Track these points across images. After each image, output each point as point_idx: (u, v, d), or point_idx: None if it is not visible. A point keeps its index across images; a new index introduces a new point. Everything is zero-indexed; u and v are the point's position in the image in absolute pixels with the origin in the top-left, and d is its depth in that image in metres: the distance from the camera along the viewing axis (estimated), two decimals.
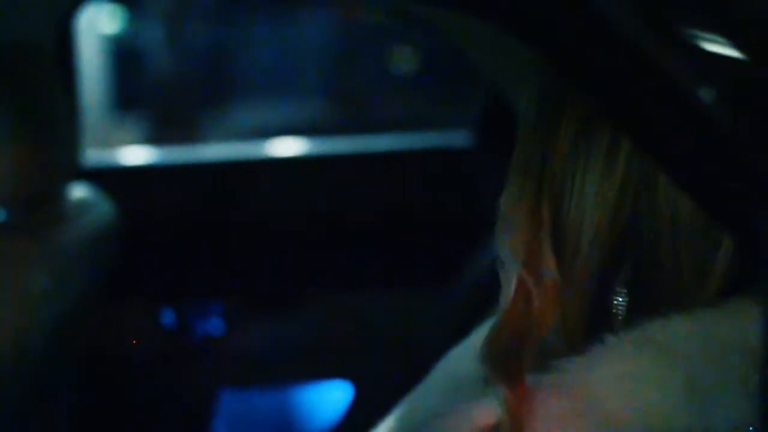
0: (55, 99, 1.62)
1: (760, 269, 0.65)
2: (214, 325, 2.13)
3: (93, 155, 2.18)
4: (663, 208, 0.74)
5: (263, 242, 2.17)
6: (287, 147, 2.32)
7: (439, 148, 2.38)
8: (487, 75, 1.73)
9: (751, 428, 0.67)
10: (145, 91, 7.28)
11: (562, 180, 0.76)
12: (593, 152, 0.75)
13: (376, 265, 2.18)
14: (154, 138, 6.79)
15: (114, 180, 2.08)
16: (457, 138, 2.37)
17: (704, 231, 0.74)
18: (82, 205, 1.75)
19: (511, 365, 0.76)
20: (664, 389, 0.71)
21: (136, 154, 2.37)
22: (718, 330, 0.73)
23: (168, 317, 2.12)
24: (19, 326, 1.55)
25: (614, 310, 0.76)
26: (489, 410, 0.76)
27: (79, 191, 1.79)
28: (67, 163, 1.65)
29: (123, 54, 6.73)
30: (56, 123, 1.62)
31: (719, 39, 0.70)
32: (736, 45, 0.70)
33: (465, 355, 0.86)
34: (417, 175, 2.26)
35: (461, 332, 0.90)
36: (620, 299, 0.76)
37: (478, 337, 0.89)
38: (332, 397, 2.15)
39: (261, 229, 2.18)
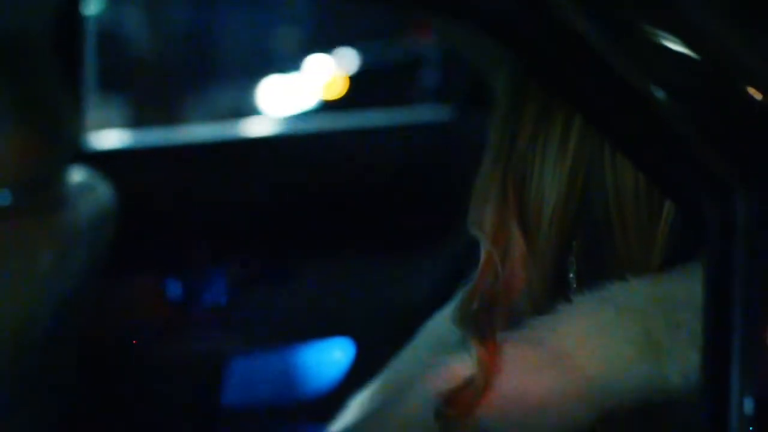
0: (56, 85, 1.70)
1: (702, 239, 0.75)
2: (218, 294, 2.23)
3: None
4: (609, 187, 0.85)
5: (262, 215, 2.27)
6: (275, 125, 2.41)
7: (422, 123, 2.51)
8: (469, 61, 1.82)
9: (750, 428, 0.74)
10: (126, 74, 7.30)
11: (525, 162, 0.88)
12: (549, 138, 0.87)
13: (369, 233, 2.31)
14: (134, 120, 6.82)
15: (111, 162, 2.15)
16: (440, 113, 2.50)
17: (646, 206, 0.85)
18: (82, 188, 1.83)
19: (482, 326, 0.87)
20: (624, 342, 0.82)
21: (125, 137, 2.44)
22: (671, 290, 0.83)
23: (174, 290, 2.21)
24: (25, 304, 1.63)
25: (571, 276, 0.87)
26: (465, 365, 0.86)
27: (79, 174, 1.87)
28: (69, 148, 1.72)
29: (103, 36, 6.73)
30: (58, 108, 1.69)
31: (670, 37, 0.79)
32: (686, 43, 0.79)
33: (447, 317, 0.96)
34: (405, 149, 2.38)
35: (448, 293, 1.00)
36: (575, 266, 0.87)
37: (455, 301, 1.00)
38: (334, 354, 2.28)
39: (258, 203, 2.27)
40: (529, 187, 0.88)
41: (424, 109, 2.72)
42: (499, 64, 0.98)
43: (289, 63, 8.54)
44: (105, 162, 2.03)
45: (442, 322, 1.00)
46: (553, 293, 0.88)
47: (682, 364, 0.80)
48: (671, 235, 0.85)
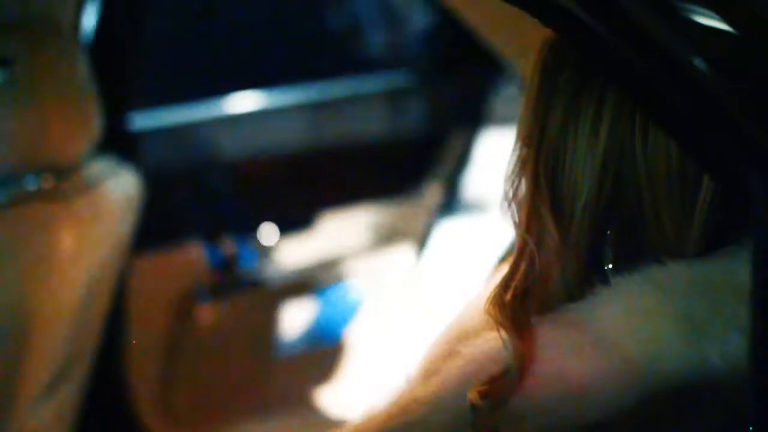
0: (80, 72, 1.69)
1: (750, 221, 0.73)
2: (252, 256, 2.38)
3: None
4: (641, 173, 0.84)
5: (278, 181, 2.47)
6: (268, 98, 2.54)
7: (393, 89, 2.68)
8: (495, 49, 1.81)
9: (751, 428, 0.74)
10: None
11: (556, 151, 0.87)
12: (580, 126, 0.86)
13: (365, 186, 2.59)
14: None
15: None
16: (404, 78, 2.70)
17: (680, 191, 0.84)
18: (105, 174, 1.82)
19: (517, 315, 0.85)
20: (663, 322, 0.80)
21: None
22: (711, 273, 0.82)
23: (215, 256, 2.30)
24: (51, 286, 1.63)
25: (606, 262, 0.86)
26: (499, 355, 0.85)
27: (102, 161, 1.86)
28: (92, 135, 1.72)
29: None
30: (82, 96, 1.69)
31: (715, 9, 0.78)
32: (727, 19, 0.77)
33: (477, 306, 0.95)
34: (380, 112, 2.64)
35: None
36: (610, 252, 0.86)
37: (487, 290, 0.98)
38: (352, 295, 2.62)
39: (273, 170, 2.47)
40: (561, 176, 0.87)
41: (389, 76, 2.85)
42: (526, 52, 0.96)
43: None
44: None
45: (473, 311, 0.99)
46: (588, 281, 0.86)
47: (722, 346, 0.79)
48: (709, 219, 0.84)
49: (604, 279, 0.86)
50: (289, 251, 2.44)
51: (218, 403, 2.34)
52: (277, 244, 2.40)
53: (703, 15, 0.77)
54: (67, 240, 1.67)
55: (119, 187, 1.90)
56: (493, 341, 0.87)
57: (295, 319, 2.50)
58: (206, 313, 2.31)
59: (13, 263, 1.60)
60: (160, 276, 2.23)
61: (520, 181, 0.89)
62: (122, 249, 1.93)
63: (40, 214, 1.65)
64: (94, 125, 1.73)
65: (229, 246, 2.31)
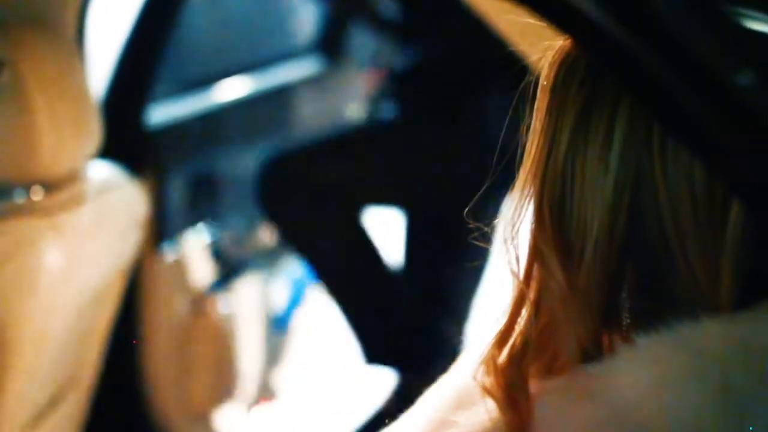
0: (78, 78, 1.58)
1: None
2: None
3: None
4: (662, 202, 0.69)
5: None
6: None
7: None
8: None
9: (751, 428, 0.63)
10: None
11: (563, 179, 0.73)
12: (589, 148, 0.72)
13: None
14: None
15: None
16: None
17: (708, 223, 0.69)
18: (104, 186, 1.71)
19: (514, 383, 0.71)
20: (700, 395, 0.65)
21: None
22: (754, 332, 0.67)
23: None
24: (35, 307, 1.51)
25: (624, 316, 0.71)
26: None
27: (102, 171, 1.75)
28: (89, 145, 1.60)
29: None
30: (79, 104, 1.58)
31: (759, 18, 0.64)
32: None
33: (470, 366, 0.81)
34: None
35: None
36: (629, 301, 0.71)
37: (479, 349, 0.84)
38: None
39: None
40: (568, 208, 0.73)
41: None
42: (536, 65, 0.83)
43: None
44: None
45: (462, 377, 0.84)
46: (602, 335, 0.72)
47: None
48: (744, 259, 0.69)
49: (623, 336, 0.71)
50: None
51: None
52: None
53: (748, 19, 0.63)
54: (55, 258, 1.55)
55: (121, 200, 1.78)
56: (493, 412, 0.74)
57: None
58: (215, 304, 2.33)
59: None
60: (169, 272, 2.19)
61: (521, 216, 0.75)
62: (123, 266, 1.82)
63: (26, 230, 1.54)
64: (92, 135, 1.61)
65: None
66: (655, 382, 0.67)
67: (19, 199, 1.56)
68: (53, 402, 1.69)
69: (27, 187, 1.55)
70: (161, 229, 2.12)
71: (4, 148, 1.51)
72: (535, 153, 0.75)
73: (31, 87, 1.50)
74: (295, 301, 2.78)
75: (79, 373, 1.76)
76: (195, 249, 2.31)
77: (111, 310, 1.82)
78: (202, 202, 2.43)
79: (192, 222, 2.37)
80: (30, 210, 1.54)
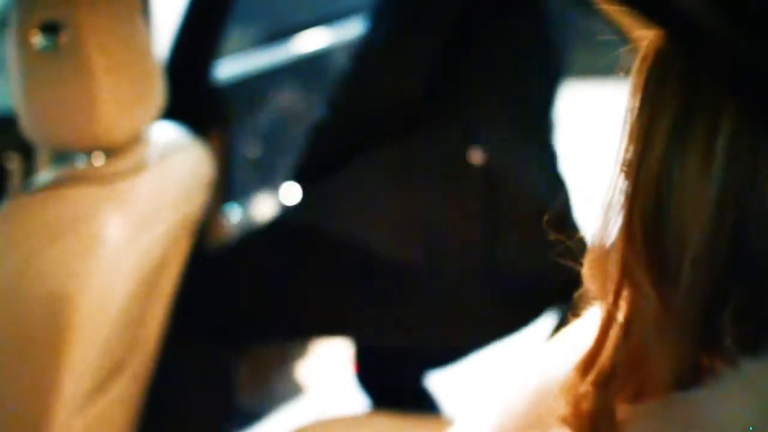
0: (139, 40, 1.52)
1: None
2: None
3: None
4: None
5: None
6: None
7: None
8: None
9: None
10: None
11: (658, 185, 0.64)
12: (688, 151, 0.63)
13: None
14: None
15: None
16: None
17: None
18: (167, 148, 1.67)
19: (599, 412, 0.63)
20: None
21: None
22: None
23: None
24: (96, 276, 1.48)
25: (726, 337, 0.63)
26: None
27: (166, 133, 1.70)
28: (151, 109, 1.55)
29: None
30: (140, 67, 1.52)
31: None
32: None
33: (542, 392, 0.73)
34: None
35: None
36: (733, 326, 0.63)
37: (565, 342, 0.77)
38: None
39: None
40: (663, 220, 0.64)
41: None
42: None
43: None
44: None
45: (538, 397, 0.77)
46: (701, 358, 0.64)
47: None
48: None
49: (726, 360, 0.63)
50: None
51: None
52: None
53: None
54: (117, 226, 1.51)
55: (185, 162, 1.74)
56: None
57: None
58: None
59: (54, 249, 1.44)
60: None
61: (606, 229, 0.67)
62: (188, 228, 1.78)
63: (88, 197, 1.50)
64: (156, 97, 1.56)
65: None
66: (764, 410, 0.60)
67: (79, 166, 1.52)
68: (118, 366, 1.66)
69: (88, 153, 1.52)
70: (228, 189, 2.07)
71: (64, 112, 1.47)
72: (623, 159, 0.67)
73: (91, 49, 1.45)
74: None
75: (144, 335, 1.73)
76: (263, 209, 2.26)
77: (176, 271, 1.79)
78: (272, 161, 2.38)
79: (261, 181, 2.32)
80: (91, 177, 1.50)
